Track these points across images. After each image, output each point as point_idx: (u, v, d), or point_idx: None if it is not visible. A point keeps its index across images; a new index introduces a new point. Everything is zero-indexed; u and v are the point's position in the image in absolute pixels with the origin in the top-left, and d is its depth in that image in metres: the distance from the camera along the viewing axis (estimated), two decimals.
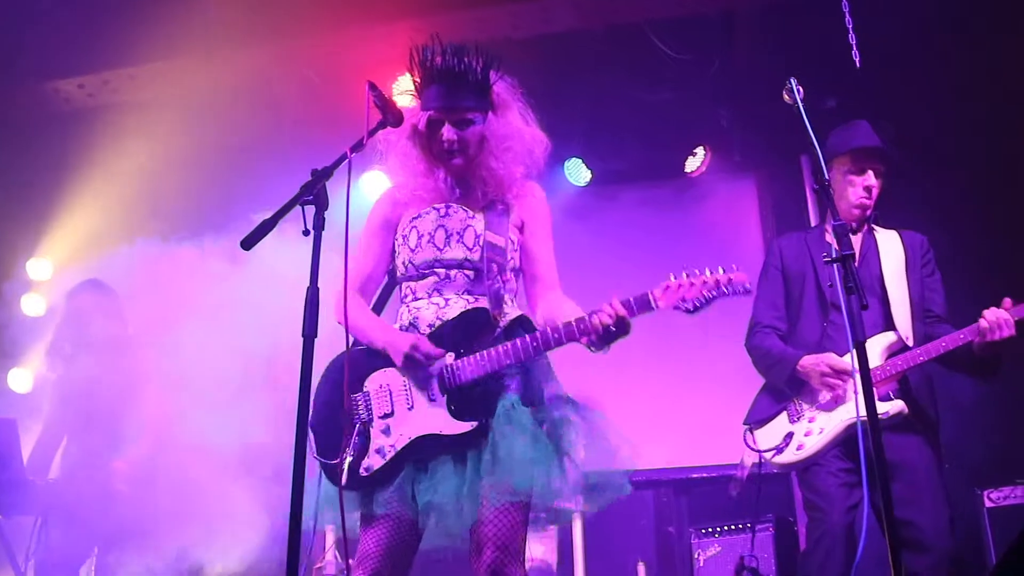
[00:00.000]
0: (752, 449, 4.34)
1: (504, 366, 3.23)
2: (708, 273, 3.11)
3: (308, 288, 2.83)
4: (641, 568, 6.32)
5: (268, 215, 2.83)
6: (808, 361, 4.21)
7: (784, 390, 4.33)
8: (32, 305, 7.40)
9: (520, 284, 3.59)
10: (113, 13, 6.58)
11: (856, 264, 4.22)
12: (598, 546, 6.47)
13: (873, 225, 4.46)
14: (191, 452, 5.44)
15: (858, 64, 5.16)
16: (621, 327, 3.15)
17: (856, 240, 4.39)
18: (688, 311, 3.11)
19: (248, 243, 2.80)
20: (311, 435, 3.32)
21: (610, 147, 8.03)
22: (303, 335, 2.78)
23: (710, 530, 6.13)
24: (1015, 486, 5.49)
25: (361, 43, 6.58)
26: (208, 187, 5.99)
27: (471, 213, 3.48)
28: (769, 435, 4.32)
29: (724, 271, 3.11)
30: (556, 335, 3.22)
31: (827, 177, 4.50)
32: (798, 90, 3.59)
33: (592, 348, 3.25)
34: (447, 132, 3.41)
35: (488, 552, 3.11)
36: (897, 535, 2.80)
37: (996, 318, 3.92)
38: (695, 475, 7.27)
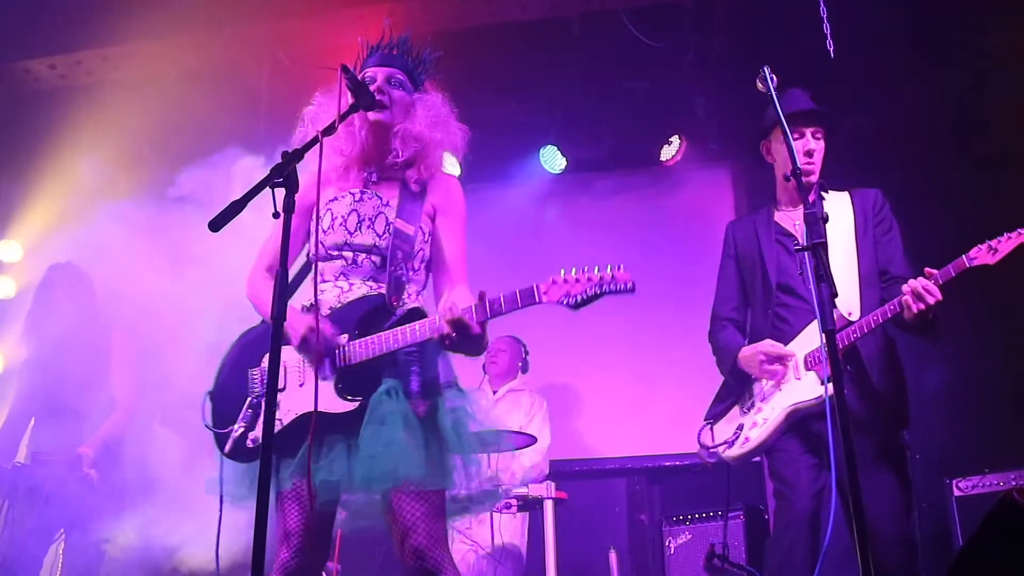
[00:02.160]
0: (704, 447, 4.35)
1: (393, 349, 3.28)
2: (596, 271, 3.15)
3: (277, 271, 2.82)
4: (612, 555, 6.33)
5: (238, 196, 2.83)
6: (746, 352, 4.21)
7: (733, 383, 4.35)
8: (2, 287, 7.34)
9: (430, 278, 3.64)
10: None
11: (800, 238, 4.17)
12: (570, 533, 6.47)
13: (821, 193, 4.33)
14: (160, 434, 5.44)
15: (832, 54, 5.17)
16: (461, 332, 3.16)
17: (800, 211, 4.16)
18: (571, 306, 3.14)
19: (216, 224, 2.79)
20: (209, 404, 3.47)
21: (585, 135, 8.03)
22: (271, 318, 2.78)
23: (681, 518, 6.16)
24: (984, 475, 5.52)
25: (334, 26, 6.56)
26: (180, 168, 5.95)
27: (385, 200, 3.54)
28: (724, 429, 4.33)
29: (611, 268, 3.15)
30: (433, 325, 3.24)
31: (769, 151, 4.44)
32: (771, 78, 3.60)
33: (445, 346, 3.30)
34: (380, 83, 3.55)
35: (408, 538, 3.17)
36: (861, 527, 2.77)
37: (912, 288, 3.77)
38: (667, 463, 7.30)
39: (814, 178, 4.28)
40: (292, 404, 3.32)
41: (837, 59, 5.30)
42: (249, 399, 3.37)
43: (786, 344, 4.12)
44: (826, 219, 3.26)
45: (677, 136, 7.99)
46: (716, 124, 7.83)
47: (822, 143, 4.32)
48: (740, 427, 4.21)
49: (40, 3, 6.60)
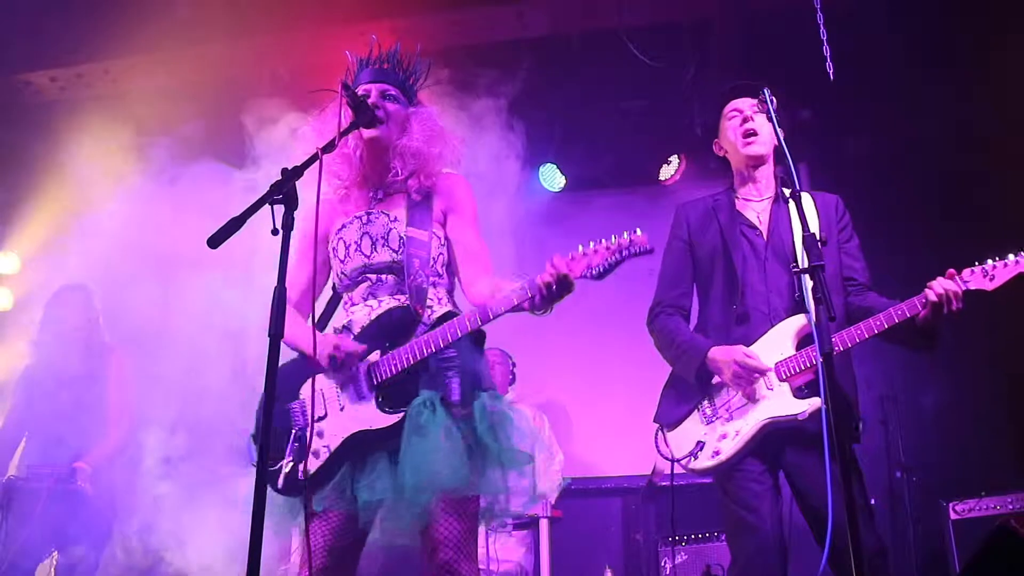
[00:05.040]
0: (664, 456, 4.04)
1: (427, 354, 3.28)
2: (613, 239, 3.17)
3: (275, 288, 2.81)
4: (608, 575, 6.31)
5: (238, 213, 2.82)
6: (719, 353, 3.88)
7: (692, 385, 3.99)
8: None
9: (455, 280, 3.64)
10: (87, 7, 6.54)
11: (764, 238, 4.03)
12: (566, 552, 6.46)
13: (783, 188, 4.08)
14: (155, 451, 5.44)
15: (831, 76, 5.17)
16: (565, 286, 3.15)
17: (765, 210, 4.11)
18: (595, 277, 3.16)
19: (215, 241, 2.78)
20: (251, 445, 3.47)
21: (585, 153, 8.03)
22: (269, 335, 2.77)
23: (677, 538, 6.13)
24: (980, 498, 5.51)
25: (334, 42, 6.56)
26: (180, 181, 5.97)
27: (392, 216, 3.55)
28: (682, 438, 3.99)
29: (627, 234, 3.17)
30: (473, 318, 3.26)
31: (721, 146, 4.31)
32: (771, 100, 3.60)
33: (535, 312, 3.26)
34: (372, 97, 3.53)
35: (438, 553, 3.18)
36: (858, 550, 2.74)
37: (945, 291, 3.59)
38: (663, 483, 7.27)
39: (762, 148, 4.12)
40: (336, 428, 3.34)
41: (836, 80, 5.31)
42: (294, 432, 3.37)
43: (747, 346, 3.88)
44: (824, 242, 3.24)
45: (676, 156, 8.00)
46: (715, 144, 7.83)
47: (764, 118, 4.03)
48: (705, 436, 3.91)
49: (41, 16, 6.61)
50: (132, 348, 5.72)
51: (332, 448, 3.31)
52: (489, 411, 3.34)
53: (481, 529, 5.40)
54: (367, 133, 3.51)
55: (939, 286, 3.62)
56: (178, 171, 5.99)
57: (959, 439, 6.38)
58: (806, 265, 3.13)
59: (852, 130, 7.40)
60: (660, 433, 4.10)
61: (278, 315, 2.79)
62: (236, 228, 2.80)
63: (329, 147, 3.19)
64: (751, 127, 4.11)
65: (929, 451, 6.34)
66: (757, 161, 4.16)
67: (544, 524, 5.81)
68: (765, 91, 3.56)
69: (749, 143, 4.12)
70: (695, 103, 7.55)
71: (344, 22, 6.41)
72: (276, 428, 3.39)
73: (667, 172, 8.03)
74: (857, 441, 3.90)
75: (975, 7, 6.15)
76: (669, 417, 4.09)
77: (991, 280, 3.65)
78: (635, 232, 3.16)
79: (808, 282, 3.12)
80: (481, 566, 5.77)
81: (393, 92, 3.60)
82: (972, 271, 3.67)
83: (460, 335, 3.28)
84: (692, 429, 3.99)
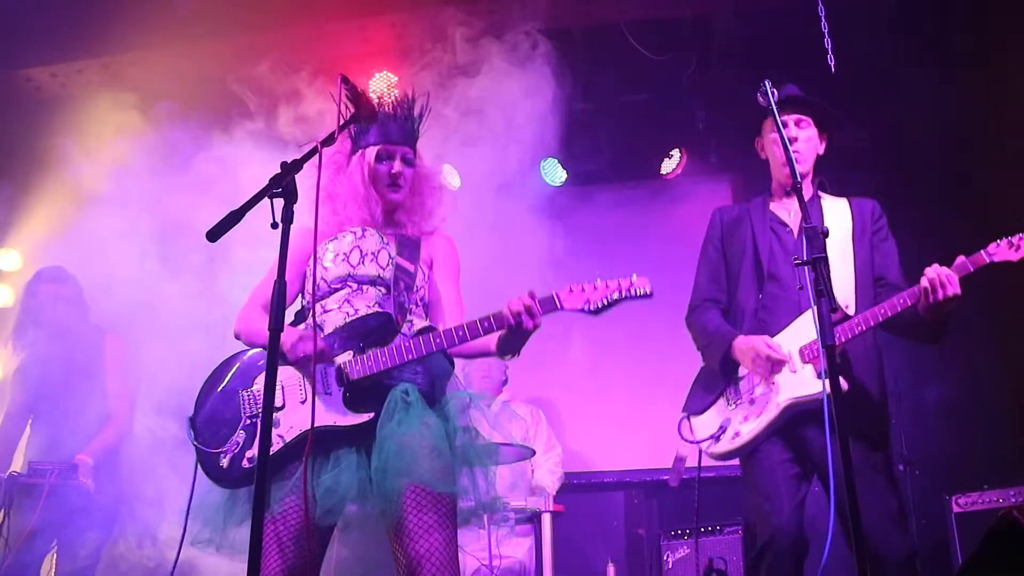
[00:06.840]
0: (687, 440, 4.14)
1: (405, 361, 3.29)
2: (615, 281, 3.28)
3: (275, 282, 2.80)
4: (611, 569, 6.31)
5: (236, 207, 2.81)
6: (742, 343, 3.99)
7: (719, 374, 4.12)
8: (1, 296, 7.32)
9: (429, 317, 3.65)
10: (87, 2, 6.54)
11: (795, 235, 4.11)
12: (568, 546, 6.45)
13: (819, 192, 4.25)
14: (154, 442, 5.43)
15: (833, 69, 5.16)
16: (531, 319, 3.22)
17: (799, 209, 4.21)
18: (591, 312, 3.27)
19: (214, 235, 2.77)
20: (188, 429, 3.37)
21: (586, 147, 8.01)
22: (269, 330, 2.76)
23: (679, 532, 6.13)
24: (983, 491, 5.50)
25: (334, 37, 6.56)
26: (179, 176, 5.97)
27: (385, 241, 3.59)
28: (706, 424, 4.11)
29: (634, 276, 3.28)
30: (460, 332, 3.29)
31: (762, 147, 4.35)
32: (772, 92, 3.59)
33: (503, 352, 3.40)
34: (398, 166, 3.61)
35: (420, 570, 3.08)
36: (860, 540, 2.73)
37: (937, 275, 3.62)
38: (665, 477, 7.26)
39: (802, 167, 4.13)
40: (295, 421, 3.26)
41: (837, 74, 5.30)
42: (244, 419, 3.31)
43: (773, 333, 3.98)
44: (826, 234, 3.23)
45: (678, 149, 7.99)
46: (716, 138, 7.83)
47: (812, 131, 4.23)
48: (727, 421, 4.01)
49: (42, 12, 6.60)
50: (136, 339, 5.70)
51: (287, 439, 3.23)
52: (459, 411, 3.35)
53: (482, 522, 5.42)
54: (391, 196, 3.61)
55: (931, 271, 3.67)
56: (179, 166, 5.99)
57: (962, 432, 6.37)
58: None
59: (852, 128, 7.38)
60: (686, 421, 4.20)
61: (278, 310, 2.78)
62: (235, 221, 2.79)
63: (329, 140, 3.16)
64: (797, 148, 4.13)
65: (932, 444, 6.33)
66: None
67: (546, 518, 5.79)
68: (766, 83, 3.56)
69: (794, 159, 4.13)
70: (696, 97, 7.55)
71: (344, 17, 6.41)
72: (222, 417, 3.34)
73: (668, 166, 8.01)
74: (882, 427, 3.91)
75: (976, 6, 6.14)
76: (696, 406, 4.21)
77: (1016, 250, 3.67)
78: (635, 276, 3.28)
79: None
80: (483, 561, 5.78)
81: (411, 156, 3.67)
82: (997, 244, 3.69)
83: (446, 346, 3.30)
84: (717, 414, 4.10)
